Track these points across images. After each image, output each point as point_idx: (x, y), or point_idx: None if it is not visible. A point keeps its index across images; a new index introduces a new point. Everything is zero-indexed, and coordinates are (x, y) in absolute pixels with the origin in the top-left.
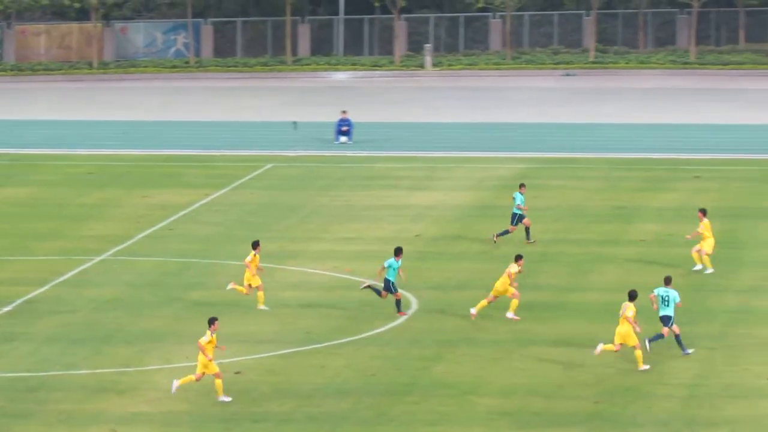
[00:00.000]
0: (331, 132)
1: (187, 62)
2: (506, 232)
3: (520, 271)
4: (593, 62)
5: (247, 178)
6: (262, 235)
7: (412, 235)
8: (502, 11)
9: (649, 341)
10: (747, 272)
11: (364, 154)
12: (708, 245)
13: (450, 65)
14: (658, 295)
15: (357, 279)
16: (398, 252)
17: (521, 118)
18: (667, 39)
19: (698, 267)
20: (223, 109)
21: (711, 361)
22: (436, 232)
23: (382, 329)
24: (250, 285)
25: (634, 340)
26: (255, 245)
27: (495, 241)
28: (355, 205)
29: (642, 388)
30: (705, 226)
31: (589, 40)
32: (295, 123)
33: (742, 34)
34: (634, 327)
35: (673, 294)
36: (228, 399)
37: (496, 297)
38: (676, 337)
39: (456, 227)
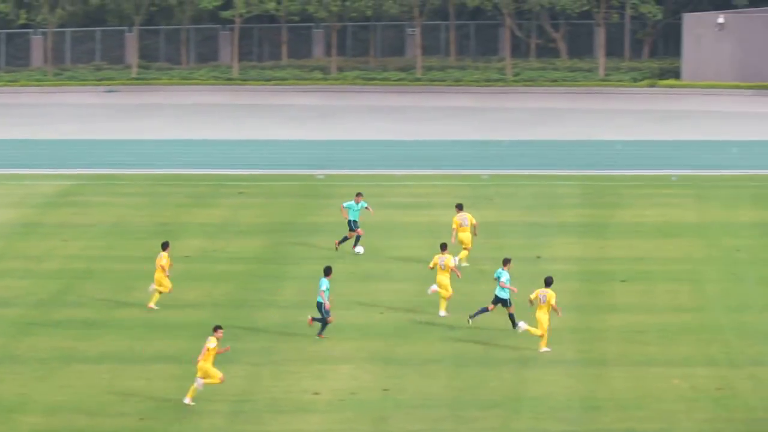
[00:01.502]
0: None
1: None
2: (357, 237)
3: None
4: (136, 78)
5: None
6: None
7: None
8: (43, 28)
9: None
10: (291, 287)
11: None
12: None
13: None
14: (497, 277)
15: None
16: (328, 271)
17: (64, 134)
18: (210, 55)
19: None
20: None
21: (257, 376)
22: None
23: None
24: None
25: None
26: (165, 246)
27: (336, 248)
28: None
29: (188, 405)
30: (455, 221)
31: (132, 56)
32: None
33: (284, 50)
34: (557, 312)
35: (505, 276)
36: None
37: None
38: (481, 311)
39: None
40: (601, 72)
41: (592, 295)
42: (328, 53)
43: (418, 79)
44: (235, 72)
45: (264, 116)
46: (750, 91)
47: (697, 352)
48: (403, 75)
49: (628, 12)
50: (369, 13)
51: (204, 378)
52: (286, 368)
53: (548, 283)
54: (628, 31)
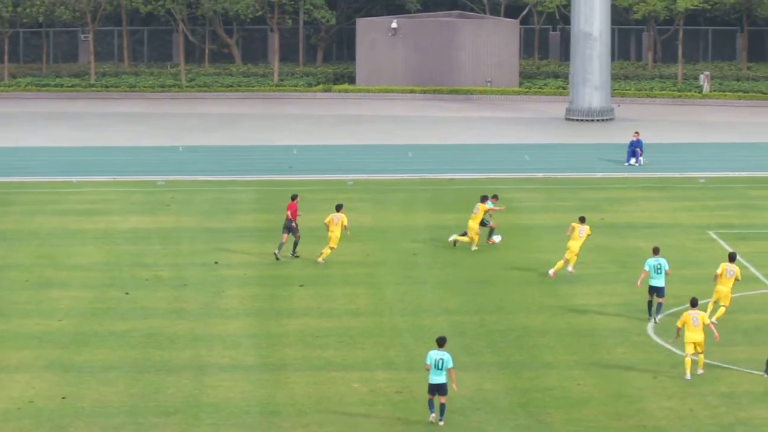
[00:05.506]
0: None
1: None
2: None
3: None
4: None
5: None
6: None
7: None
8: None
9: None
10: None
11: None
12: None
13: None
14: (651, 266)
15: None
16: None
17: None
18: None
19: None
20: None
21: None
22: None
23: None
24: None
25: (728, 300)
26: (339, 208)
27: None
28: None
29: None
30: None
31: None
32: None
33: None
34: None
35: (663, 262)
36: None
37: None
38: (658, 306)
39: None
40: (276, 77)
41: (271, 300)
42: (0, 60)
43: (92, 85)
44: None
45: None
46: (423, 96)
47: (376, 356)
48: (76, 81)
49: (302, 17)
50: (41, 18)
51: None
52: None
53: (733, 258)
54: (302, 36)
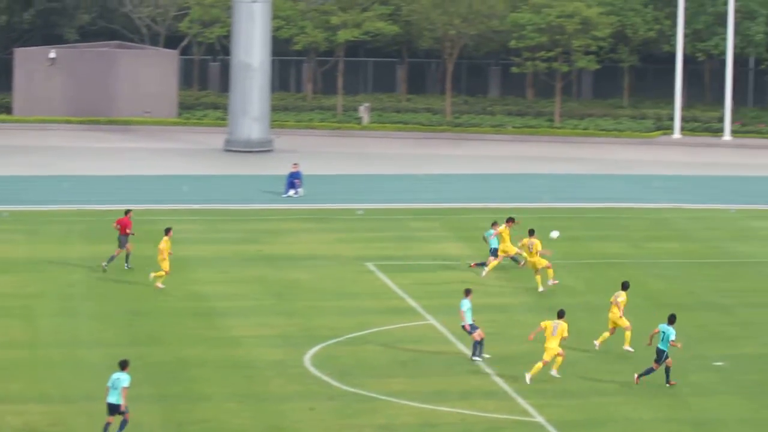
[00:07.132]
0: None
1: None
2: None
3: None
4: None
5: None
6: None
7: None
8: None
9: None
10: None
11: None
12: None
13: None
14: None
15: None
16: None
17: None
18: None
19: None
20: None
21: None
22: None
23: None
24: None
25: (624, 323)
26: (167, 231)
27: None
28: None
29: None
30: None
31: None
32: None
33: None
34: (620, 312)
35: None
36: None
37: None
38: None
39: None
40: None
41: None
42: None
43: None
44: None
45: None
46: (81, 126)
47: (29, 389)
48: None
49: None
50: None
51: None
52: None
53: (625, 287)
54: None
